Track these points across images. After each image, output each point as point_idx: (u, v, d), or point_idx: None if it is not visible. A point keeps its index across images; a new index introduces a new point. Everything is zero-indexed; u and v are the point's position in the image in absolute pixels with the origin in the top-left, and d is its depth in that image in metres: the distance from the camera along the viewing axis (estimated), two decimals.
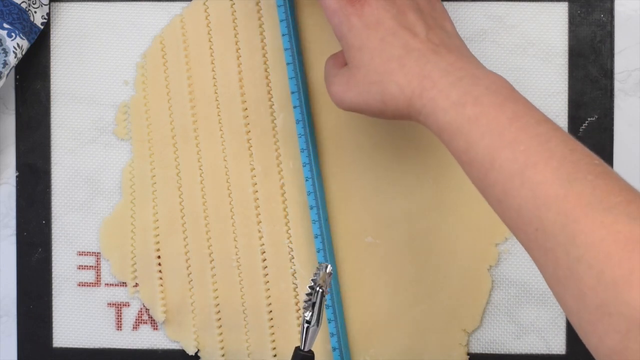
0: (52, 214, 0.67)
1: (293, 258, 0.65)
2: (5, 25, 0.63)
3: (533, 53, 0.64)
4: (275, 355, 0.66)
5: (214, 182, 0.66)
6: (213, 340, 0.66)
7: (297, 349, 0.52)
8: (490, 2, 0.65)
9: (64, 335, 0.68)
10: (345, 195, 0.65)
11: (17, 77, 0.67)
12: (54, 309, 0.67)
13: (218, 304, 0.66)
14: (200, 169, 0.66)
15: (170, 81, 0.66)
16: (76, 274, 0.67)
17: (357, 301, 0.65)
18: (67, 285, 0.67)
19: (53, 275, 0.67)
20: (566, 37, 0.64)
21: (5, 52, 0.63)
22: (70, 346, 0.68)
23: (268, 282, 0.65)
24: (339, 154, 0.65)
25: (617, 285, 0.39)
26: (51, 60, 0.67)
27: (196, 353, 0.67)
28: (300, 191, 0.65)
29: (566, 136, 0.46)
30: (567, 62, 0.64)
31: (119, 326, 0.67)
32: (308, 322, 0.51)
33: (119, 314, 0.67)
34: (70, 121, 0.67)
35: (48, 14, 0.65)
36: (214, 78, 0.65)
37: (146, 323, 0.67)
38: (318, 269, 0.51)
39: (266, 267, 0.65)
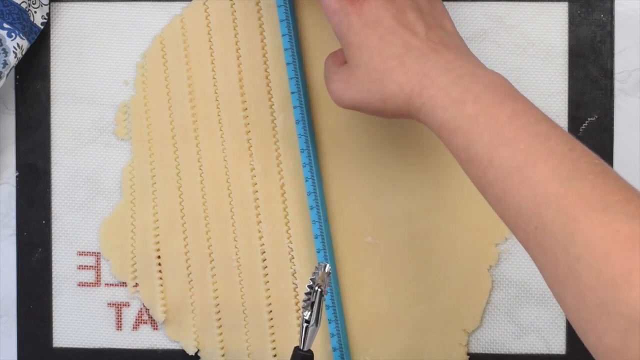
0: (52, 214, 0.67)
1: (293, 258, 0.65)
2: (5, 25, 0.63)
3: (533, 53, 0.64)
4: (275, 355, 0.66)
5: (214, 182, 0.66)
6: (213, 340, 0.66)
7: (297, 348, 0.52)
8: (490, 2, 0.65)
9: (64, 335, 0.68)
10: (345, 195, 0.65)
11: (17, 77, 0.67)
12: (54, 309, 0.67)
13: (218, 304, 0.66)
14: (200, 169, 0.66)
15: (170, 81, 0.66)
16: (76, 274, 0.67)
17: (357, 301, 0.65)
18: (67, 285, 0.67)
19: (53, 275, 0.67)
20: (566, 37, 0.64)
21: (5, 52, 0.63)
22: (70, 346, 0.68)
23: (268, 282, 0.65)
24: (339, 154, 0.65)
25: (616, 284, 0.40)
26: (51, 60, 0.67)
27: (196, 353, 0.67)
28: (300, 191, 0.65)
29: (566, 135, 0.46)
30: (567, 62, 0.64)
31: (119, 326, 0.67)
32: (307, 321, 0.51)
33: (119, 314, 0.67)
34: (70, 121, 0.67)
35: (48, 14, 0.65)
36: (214, 78, 0.65)
37: (146, 323, 0.67)
38: (317, 268, 0.51)
39: (266, 267, 0.65)
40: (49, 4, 0.65)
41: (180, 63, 0.66)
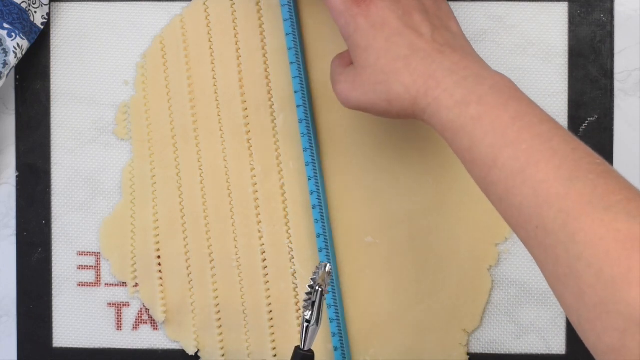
0: (52, 214, 0.67)
1: (293, 258, 0.65)
2: (5, 25, 0.63)
3: (533, 53, 0.64)
4: (275, 355, 0.66)
5: (214, 182, 0.66)
6: (213, 340, 0.66)
7: (297, 348, 0.52)
8: (490, 2, 0.65)
9: (64, 335, 0.68)
10: (346, 195, 0.65)
11: (17, 77, 0.67)
12: (54, 309, 0.67)
13: (218, 304, 0.66)
14: (200, 169, 0.66)
15: (170, 81, 0.66)
16: (76, 274, 0.67)
17: (357, 301, 0.65)
18: (67, 285, 0.67)
19: (53, 275, 0.67)
20: (566, 37, 0.64)
21: (5, 52, 0.63)
22: (70, 346, 0.68)
23: (268, 282, 0.65)
24: (340, 154, 0.65)
25: (615, 284, 0.40)
26: (51, 60, 0.67)
27: (196, 353, 0.66)
28: (300, 191, 0.65)
29: (568, 135, 0.46)
30: (567, 62, 0.64)
31: (119, 326, 0.67)
32: (308, 321, 0.51)
33: (119, 314, 0.67)
34: (70, 121, 0.67)
35: (48, 14, 0.65)
36: (214, 78, 0.65)
37: (146, 323, 0.67)
38: (317, 268, 0.52)
39: (266, 267, 0.65)
40: (49, 4, 0.65)
41: (180, 63, 0.66)
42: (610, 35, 0.64)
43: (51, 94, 0.67)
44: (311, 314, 0.51)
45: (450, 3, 0.64)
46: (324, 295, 0.52)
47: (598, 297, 0.40)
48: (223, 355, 0.66)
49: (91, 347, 0.68)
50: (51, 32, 0.67)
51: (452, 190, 0.64)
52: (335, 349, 0.63)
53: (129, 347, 0.67)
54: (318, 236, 0.63)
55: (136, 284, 0.67)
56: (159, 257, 0.66)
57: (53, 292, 0.67)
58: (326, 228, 0.64)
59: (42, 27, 0.65)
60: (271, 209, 0.65)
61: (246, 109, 0.65)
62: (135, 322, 0.67)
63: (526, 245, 0.46)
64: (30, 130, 0.67)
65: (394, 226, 0.65)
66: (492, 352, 0.65)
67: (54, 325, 0.68)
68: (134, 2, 0.66)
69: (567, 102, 0.64)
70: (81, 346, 0.68)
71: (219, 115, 0.65)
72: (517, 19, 0.64)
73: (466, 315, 0.65)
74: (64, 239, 0.67)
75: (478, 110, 0.47)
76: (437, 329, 0.65)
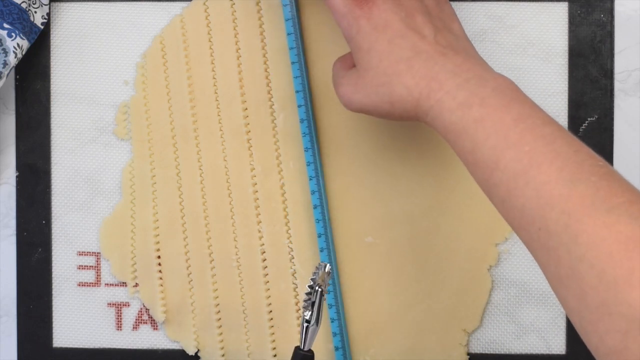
0: (52, 214, 0.67)
1: (293, 258, 0.65)
2: (5, 25, 0.63)
3: (533, 53, 0.64)
4: (275, 355, 0.66)
5: (214, 182, 0.66)
6: (213, 340, 0.66)
7: (297, 348, 0.52)
8: (490, 2, 0.65)
9: (64, 335, 0.68)
10: (346, 195, 0.65)
11: (17, 77, 0.67)
12: (54, 309, 0.67)
13: (218, 304, 0.66)
14: (200, 169, 0.66)
15: (170, 81, 0.66)
16: (76, 274, 0.67)
17: (357, 301, 0.65)
18: (67, 285, 0.67)
19: (53, 275, 0.67)
20: (566, 37, 0.64)
21: (5, 52, 0.63)
22: (70, 346, 0.68)
23: (268, 282, 0.65)
24: (340, 154, 0.65)
25: (617, 285, 0.40)
26: (51, 60, 0.67)
27: (196, 353, 0.66)
28: (300, 191, 0.65)
29: (571, 137, 0.46)
30: (567, 62, 0.64)
31: (119, 326, 0.67)
32: (308, 321, 0.51)
33: (119, 314, 0.67)
34: (70, 121, 0.67)
35: (48, 14, 0.65)
36: (214, 78, 0.65)
37: (146, 323, 0.67)
38: (317, 268, 0.52)
39: (266, 267, 0.65)
40: (49, 4, 0.65)
41: (180, 63, 0.66)
42: (610, 35, 0.64)
43: (51, 94, 0.67)
44: (311, 314, 0.51)
45: (451, 3, 0.64)
46: (324, 295, 0.52)
47: (600, 299, 0.40)
48: (223, 355, 0.66)
49: (91, 347, 0.68)
50: (51, 32, 0.67)
51: (452, 191, 0.64)
52: (337, 348, 0.64)
53: (129, 347, 0.67)
54: (319, 236, 0.63)
55: (136, 284, 0.67)
56: (159, 257, 0.66)
57: (53, 292, 0.67)
58: (327, 228, 0.64)
59: (42, 27, 0.65)
60: (271, 209, 0.65)
61: (246, 109, 0.65)
62: (135, 322, 0.67)
63: (528, 247, 0.46)
64: (30, 130, 0.67)
65: (394, 226, 0.65)
66: (492, 352, 0.65)
67: (54, 325, 0.68)
68: (134, 2, 0.66)
69: (567, 102, 0.64)
70: (81, 346, 0.68)
71: (219, 115, 0.65)
72: (517, 19, 0.64)
73: (466, 315, 0.65)
74: (64, 239, 0.67)
75: (480, 112, 0.47)
76: (437, 329, 0.65)
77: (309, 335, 0.51)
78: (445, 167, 0.64)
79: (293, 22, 0.63)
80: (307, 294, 0.51)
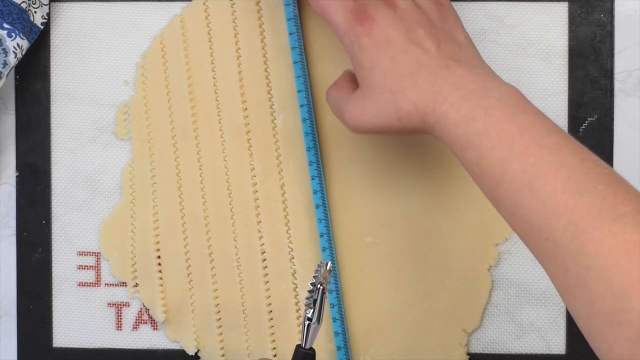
0: (52, 214, 0.67)
1: (293, 258, 0.65)
2: (5, 25, 0.63)
3: (533, 53, 0.64)
4: (275, 355, 0.66)
5: (214, 182, 0.66)
6: (213, 340, 0.66)
7: (299, 346, 0.52)
8: (490, 2, 0.65)
9: (64, 335, 0.68)
10: (346, 195, 0.65)
11: (17, 77, 0.67)
12: (54, 309, 0.67)
13: (218, 304, 0.66)
14: (200, 169, 0.66)
15: (170, 81, 0.66)
16: (76, 274, 0.67)
17: (357, 301, 0.65)
18: (67, 285, 0.67)
19: (53, 275, 0.67)
20: (566, 37, 0.64)
21: (5, 52, 0.63)
22: (70, 346, 0.68)
23: (268, 282, 0.65)
24: (339, 154, 0.65)
25: (625, 294, 0.40)
26: (51, 60, 0.67)
27: (196, 353, 0.66)
28: (300, 191, 0.65)
29: (577, 145, 0.46)
30: (567, 62, 0.64)
31: (119, 326, 0.67)
32: (309, 319, 0.51)
33: (119, 314, 0.67)
34: (70, 121, 0.67)
35: (48, 14, 0.65)
36: (214, 78, 0.65)
37: (146, 323, 0.67)
38: (319, 266, 0.52)
39: (266, 267, 0.65)
40: (49, 4, 0.65)
41: (180, 63, 0.66)
42: (610, 35, 0.64)
43: (51, 94, 0.67)
44: (313, 312, 0.51)
45: (451, 3, 0.64)
46: (326, 293, 0.52)
47: (608, 308, 0.40)
48: (223, 355, 0.66)
49: (91, 347, 0.67)
50: (51, 32, 0.67)
51: (452, 191, 0.64)
52: (339, 348, 0.63)
53: (129, 347, 0.67)
54: (321, 236, 0.63)
55: (136, 284, 0.67)
56: (159, 257, 0.66)
57: (53, 292, 0.67)
58: (329, 228, 0.64)
59: (42, 27, 0.65)
60: (271, 209, 0.65)
61: (246, 109, 0.65)
62: (135, 322, 0.67)
63: (536, 256, 0.46)
64: (30, 130, 0.67)
65: (394, 226, 0.65)
66: (492, 352, 0.65)
67: (54, 325, 0.67)
68: (134, 2, 0.66)
69: (567, 102, 0.64)
70: (81, 346, 0.67)
71: (219, 115, 0.65)
72: (517, 19, 0.64)
73: (466, 315, 0.65)
74: (64, 239, 0.67)
75: (484, 124, 0.47)
76: (437, 329, 0.65)
77: (310, 333, 0.51)
78: (446, 167, 0.64)
79: (295, 22, 0.63)
80: (309, 291, 0.51)
